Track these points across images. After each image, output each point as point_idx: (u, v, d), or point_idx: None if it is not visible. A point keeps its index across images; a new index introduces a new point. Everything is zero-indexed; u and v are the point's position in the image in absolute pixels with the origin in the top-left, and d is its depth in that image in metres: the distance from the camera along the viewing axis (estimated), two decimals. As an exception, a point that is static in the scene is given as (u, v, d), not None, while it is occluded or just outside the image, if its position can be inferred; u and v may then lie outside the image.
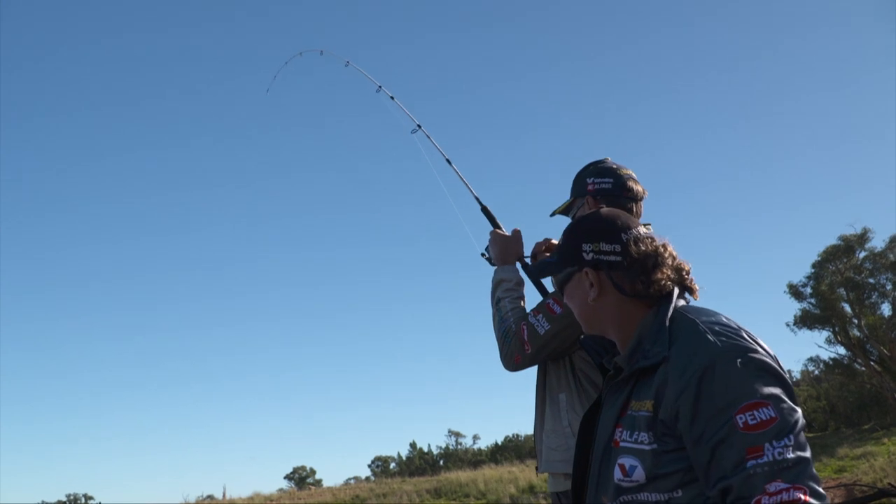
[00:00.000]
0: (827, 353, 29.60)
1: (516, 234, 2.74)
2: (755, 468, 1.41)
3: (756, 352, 1.52)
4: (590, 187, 2.60)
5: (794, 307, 30.86)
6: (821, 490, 1.41)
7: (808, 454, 1.43)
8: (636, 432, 1.57)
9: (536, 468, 2.60)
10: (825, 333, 25.82)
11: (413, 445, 48.54)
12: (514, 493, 22.74)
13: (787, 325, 26.20)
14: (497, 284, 2.62)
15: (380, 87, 3.49)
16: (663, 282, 1.69)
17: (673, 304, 1.67)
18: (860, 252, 25.43)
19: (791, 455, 1.41)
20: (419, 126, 3.26)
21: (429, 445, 48.80)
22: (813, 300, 25.65)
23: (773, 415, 1.44)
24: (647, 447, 1.55)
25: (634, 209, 2.57)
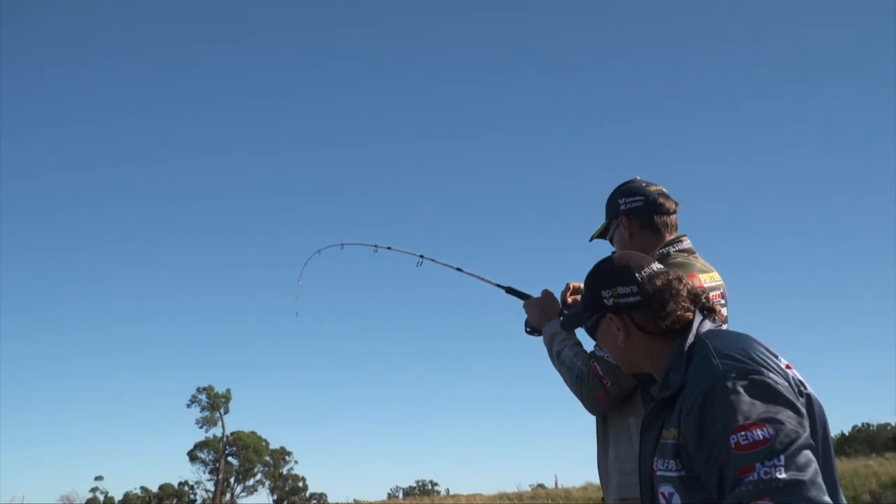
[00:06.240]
0: None
1: (547, 294, 2.74)
2: (743, 486, 1.41)
3: (757, 373, 1.53)
4: (622, 207, 2.60)
5: None
6: None
7: (805, 476, 1.39)
8: (666, 460, 1.62)
9: (603, 499, 2.50)
10: None
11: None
12: (874, 490, 20.57)
13: None
14: (551, 340, 2.58)
15: (375, 246, 3.50)
16: (679, 312, 1.73)
17: (694, 331, 1.71)
18: None
19: (782, 475, 1.39)
20: (422, 257, 3.29)
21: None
22: None
23: (767, 435, 1.43)
24: (675, 474, 1.59)
25: (669, 222, 2.58)
